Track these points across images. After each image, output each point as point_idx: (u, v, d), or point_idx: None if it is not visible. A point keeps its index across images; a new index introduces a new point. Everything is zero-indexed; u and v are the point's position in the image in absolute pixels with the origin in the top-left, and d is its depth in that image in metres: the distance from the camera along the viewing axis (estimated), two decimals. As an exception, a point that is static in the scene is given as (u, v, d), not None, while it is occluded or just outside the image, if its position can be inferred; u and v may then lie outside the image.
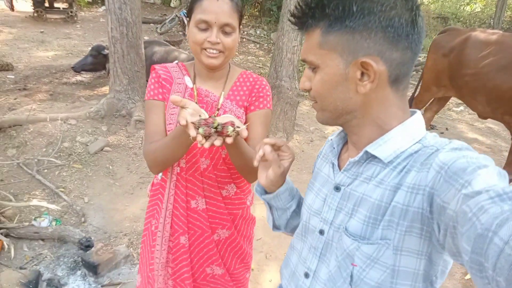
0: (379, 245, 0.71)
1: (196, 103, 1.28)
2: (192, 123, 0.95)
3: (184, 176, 1.33)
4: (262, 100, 1.33)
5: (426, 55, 4.49)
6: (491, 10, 13.67)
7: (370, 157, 0.76)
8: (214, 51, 1.18)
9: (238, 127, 0.98)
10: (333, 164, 0.86)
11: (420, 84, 4.66)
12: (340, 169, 0.84)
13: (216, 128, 0.95)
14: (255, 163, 0.89)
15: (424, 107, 4.86)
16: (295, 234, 0.97)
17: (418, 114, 0.77)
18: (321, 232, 0.83)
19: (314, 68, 0.76)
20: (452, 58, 4.06)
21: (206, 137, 0.96)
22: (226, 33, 1.18)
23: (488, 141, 5.68)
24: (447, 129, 6.03)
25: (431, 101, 4.81)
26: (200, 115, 1.00)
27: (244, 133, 1.00)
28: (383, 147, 0.73)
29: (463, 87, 3.96)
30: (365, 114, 0.75)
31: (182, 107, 1.00)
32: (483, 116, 4.09)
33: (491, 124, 6.21)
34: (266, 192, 1.00)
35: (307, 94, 0.87)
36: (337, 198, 0.80)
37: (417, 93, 4.72)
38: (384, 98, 0.73)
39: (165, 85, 1.31)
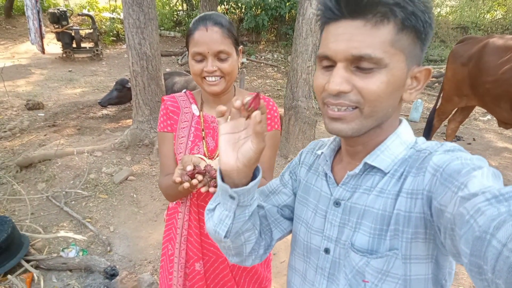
0: (388, 257, 0.69)
1: (203, 129, 1.32)
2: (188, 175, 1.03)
3: (196, 202, 1.35)
4: (269, 121, 1.34)
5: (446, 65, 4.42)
6: (513, 16, 13.36)
7: (368, 168, 0.75)
8: (213, 79, 1.22)
9: None
10: (327, 178, 0.84)
11: (441, 95, 4.57)
12: (336, 182, 0.82)
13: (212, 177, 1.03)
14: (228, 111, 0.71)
15: (448, 118, 4.74)
16: (294, 253, 0.92)
17: (405, 121, 0.79)
18: (327, 251, 0.80)
19: (371, 68, 0.65)
20: (471, 66, 3.98)
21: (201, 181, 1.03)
22: (221, 60, 1.21)
23: (519, 150, 5.44)
24: (474, 139, 5.82)
25: (454, 111, 4.69)
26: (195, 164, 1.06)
27: None
28: (381, 157, 0.73)
29: (485, 95, 3.85)
30: (386, 123, 0.74)
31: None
32: (508, 124, 3.94)
33: (522, 131, 5.95)
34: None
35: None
36: (338, 214, 0.78)
37: (439, 104, 4.62)
38: (400, 106, 0.75)
39: (172, 117, 1.36)
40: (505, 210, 0.46)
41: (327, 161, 0.85)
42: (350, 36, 0.65)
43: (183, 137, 1.33)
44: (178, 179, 1.03)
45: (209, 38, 1.18)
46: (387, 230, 0.70)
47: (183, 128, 1.34)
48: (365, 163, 0.74)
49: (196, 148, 1.31)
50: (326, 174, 0.84)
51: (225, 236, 0.79)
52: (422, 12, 0.64)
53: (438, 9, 15.23)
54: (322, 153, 0.87)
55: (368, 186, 0.74)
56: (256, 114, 0.66)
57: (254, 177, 0.76)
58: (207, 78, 1.22)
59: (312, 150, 0.95)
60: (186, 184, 1.01)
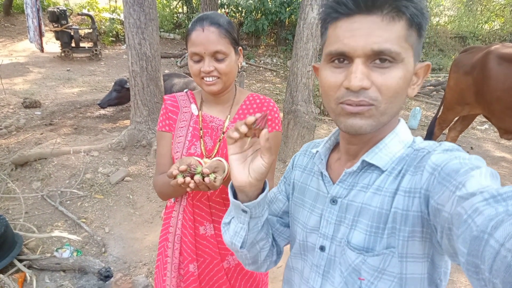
0: (385, 255, 0.69)
1: (201, 128, 1.32)
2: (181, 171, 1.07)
3: (191, 202, 1.34)
4: (270, 122, 1.32)
5: (447, 75, 4.43)
6: (511, 27, 13.48)
7: (366, 166, 0.76)
8: (211, 79, 1.22)
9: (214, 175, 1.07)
10: (323, 176, 0.84)
11: (442, 104, 4.57)
12: (332, 180, 0.82)
13: (201, 174, 1.07)
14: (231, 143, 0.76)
15: (448, 127, 4.75)
16: (293, 254, 0.93)
17: (403, 121, 0.79)
18: (322, 248, 0.81)
19: (390, 63, 0.65)
20: (475, 75, 3.97)
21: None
22: (218, 60, 1.21)
23: (517, 159, 5.45)
24: (472, 148, 5.84)
25: (455, 120, 4.69)
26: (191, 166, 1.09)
27: (218, 183, 1.07)
28: (379, 155, 0.74)
29: (493, 102, 3.80)
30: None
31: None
32: (510, 133, 3.92)
33: (520, 141, 5.97)
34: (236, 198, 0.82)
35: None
36: (335, 211, 0.78)
37: (440, 113, 4.63)
38: None
39: (171, 116, 1.36)
40: (503, 210, 0.46)
41: (322, 159, 0.85)
42: (369, 31, 0.64)
43: (181, 136, 1.32)
44: (175, 171, 1.05)
45: (206, 38, 1.18)
46: (384, 228, 0.69)
47: (181, 127, 1.33)
48: (363, 161, 0.74)
49: (193, 147, 1.30)
50: (321, 173, 0.84)
51: (241, 247, 0.85)
52: (426, 9, 0.67)
53: (437, 19, 15.36)
54: (317, 151, 0.86)
55: (365, 184, 0.74)
56: (264, 132, 0.72)
57: (263, 189, 0.81)
58: (205, 78, 1.22)
59: (305, 152, 0.96)
60: (180, 179, 1.04)
